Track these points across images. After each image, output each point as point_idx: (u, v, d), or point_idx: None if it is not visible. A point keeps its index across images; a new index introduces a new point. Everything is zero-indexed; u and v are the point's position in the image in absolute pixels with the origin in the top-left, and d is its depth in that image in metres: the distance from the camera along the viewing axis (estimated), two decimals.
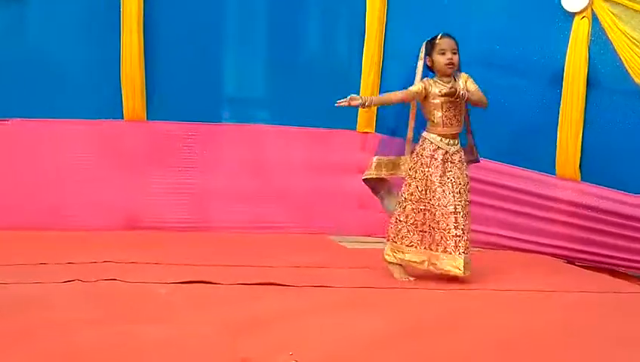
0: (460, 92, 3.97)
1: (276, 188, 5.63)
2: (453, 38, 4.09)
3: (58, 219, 5.28)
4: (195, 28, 5.60)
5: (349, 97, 3.98)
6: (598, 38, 4.97)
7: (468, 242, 3.97)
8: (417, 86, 4.06)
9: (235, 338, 2.83)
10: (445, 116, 4.05)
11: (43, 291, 3.46)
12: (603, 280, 4.62)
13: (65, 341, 2.74)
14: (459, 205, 3.96)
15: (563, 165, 5.15)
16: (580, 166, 5.11)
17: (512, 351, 2.94)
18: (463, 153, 4.12)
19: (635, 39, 4.79)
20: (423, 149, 4.08)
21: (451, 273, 3.95)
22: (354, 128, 5.79)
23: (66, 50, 5.42)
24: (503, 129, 5.33)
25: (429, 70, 4.15)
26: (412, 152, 4.14)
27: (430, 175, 4.01)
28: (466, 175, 4.09)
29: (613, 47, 4.88)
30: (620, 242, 4.98)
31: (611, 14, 4.88)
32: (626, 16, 4.84)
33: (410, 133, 4.22)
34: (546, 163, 5.21)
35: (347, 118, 5.73)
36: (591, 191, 5.07)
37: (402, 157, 4.20)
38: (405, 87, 4.10)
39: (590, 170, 5.09)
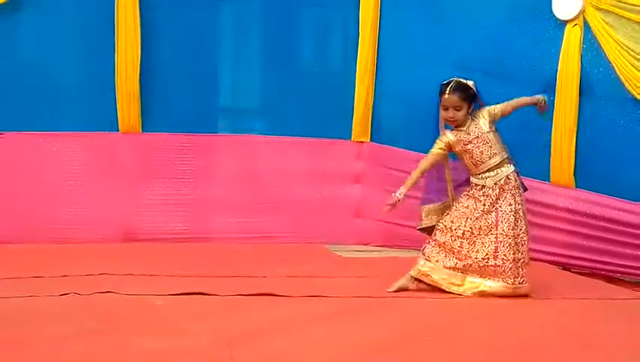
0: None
1: (272, 198, 5.64)
2: (461, 92, 4.09)
3: (54, 231, 5.27)
4: (190, 39, 5.61)
5: (391, 202, 4.09)
6: (590, 46, 4.99)
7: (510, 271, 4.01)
8: (438, 146, 4.15)
9: (231, 350, 2.83)
10: (472, 158, 4.11)
11: (39, 304, 3.46)
12: (599, 286, 4.63)
13: (60, 353, 2.74)
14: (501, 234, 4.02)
15: (557, 172, 5.17)
16: (574, 173, 5.13)
17: (507, 358, 2.95)
18: (506, 181, 4.10)
19: (626, 47, 4.82)
20: (469, 190, 4.16)
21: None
22: (349, 138, 5.80)
23: (61, 62, 5.41)
24: None
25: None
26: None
27: (469, 214, 4.07)
28: (515, 202, 4.08)
29: (605, 55, 4.90)
30: (615, 248, 4.98)
31: (603, 22, 4.90)
32: (618, 24, 4.86)
33: (449, 190, 4.31)
34: (540, 170, 5.22)
35: (342, 128, 5.75)
36: (585, 198, 5.08)
37: (447, 202, 4.27)
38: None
39: (584, 176, 5.10)
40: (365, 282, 4.24)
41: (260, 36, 5.88)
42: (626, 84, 4.83)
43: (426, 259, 4.09)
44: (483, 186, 4.09)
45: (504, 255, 4.01)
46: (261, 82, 5.89)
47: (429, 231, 4.24)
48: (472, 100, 4.15)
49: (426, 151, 5.49)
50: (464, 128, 4.12)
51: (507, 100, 4.27)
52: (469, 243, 4.04)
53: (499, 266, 4.00)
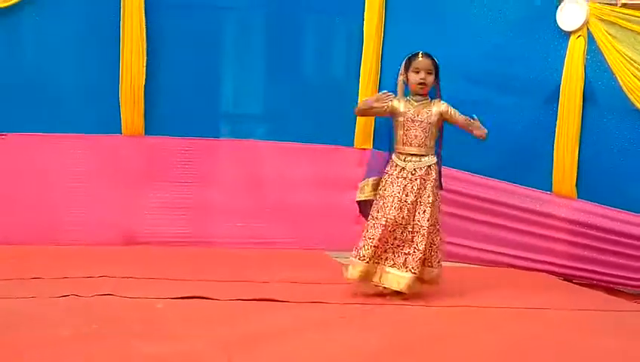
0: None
1: (273, 203, 5.64)
2: (433, 60, 4.11)
3: (55, 233, 5.28)
4: (193, 44, 5.62)
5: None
6: (594, 57, 5.00)
7: (418, 262, 3.97)
8: (384, 102, 4.09)
9: (230, 354, 2.83)
10: (405, 135, 4.08)
11: (38, 306, 3.46)
12: (599, 297, 4.62)
13: (60, 356, 2.74)
14: (417, 225, 4.00)
15: (559, 182, 5.17)
16: (576, 183, 5.13)
17: None
18: (430, 173, 4.09)
19: (630, 58, 4.83)
20: (390, 168, 4.12)
21: (393, 288, 3.98)
22: (351, 145, 5.80)
23: (65, 64, 5.42)
24: (500, 146, 5.34)
25: (407, 86, 4.17)
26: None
27: (392, 193, 4.03)
28: (432, 194, 4.06)
29: (609, 66, 4.92)
30: (616, 259, 4.99)
31: (607, 34, 4.92)
32: (622, 36, 4.88)
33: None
34: (542, 180, 5.23)
35: (345, 135, 5.75)
36: (587, 209, 5.09)
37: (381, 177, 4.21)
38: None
39: (586, 187, 5.11)
40: (365, 289, 4.23)
41: (263, 42, 5.88)
42: (630, 96, 4.85)
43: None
44: (403, 169, 4.06)
45: (417, 245, 3.98)
46: (264, 88, 5.89)
47: (364, 206, 4.20)
48: (437, 75, 4.13)
49: None
50: (417, 103, 4.09)
51: (466, 117, 4.23)
52: (389, 233, 4.00)
53: (412, 255, 3.97)
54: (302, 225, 5.67)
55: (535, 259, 5.25)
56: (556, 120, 5.14)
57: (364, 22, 5.69)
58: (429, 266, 4.10)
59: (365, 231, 4.06)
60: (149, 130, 5.52)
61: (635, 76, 4.82)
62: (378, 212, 4.04)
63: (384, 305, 3.86)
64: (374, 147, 5.72)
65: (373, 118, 5.75)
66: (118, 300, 3.62)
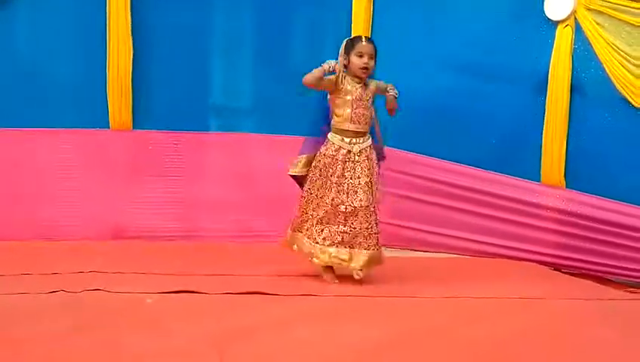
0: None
1: (263, 196, 5.62)
2: (374, 44, 4.12)
3: (43, 228, 5.25)
4: (181, 37, 5.59)
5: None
6: (582, 47, 5.02)
7: (364, 239, 4.06)
8: (333, 76, 4.06)
9: (221, 349, 2.82)
10: (354, 113, 4.08)
11: (27, 302, 3.44)
12: (589, 286, 4.65)
13: (49, 351, 2.72)
14: (357, 205, 4.04)
15: (548, 172, 5.19)
16: (564, 173, 5.15)
17: (497, 358, 2.95)
18: (370, 151, 4.13)
19: (617, 48, 4.85)
20: (327, 149, 4.13)
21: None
22: None
23: (52, 59, 5.40)
24: (488, 136, 5.38)
25: (344, 68, 4.14)
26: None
27: (330, 175, 4.08)
28: (373, 173, 4.10)
29: (597, 56, 4.94)
30: (605, 249, 5.01)
31: (594, 23, 4.93)
32: (609, 25, 4.90)
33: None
34: (530, 170, 5.24)
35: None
36: (576, 198, 5.11)
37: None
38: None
39: (575, 177, 5.13)
40: (356, 281, 4.23)
41: (251, 34, 5.86)
42: (617, 85, 4.87)
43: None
44: (349, 151, 4.07)
45: (360, 223, 4.06)
46: (253, 80, 5.87)
47: (298, 180, 4.27)
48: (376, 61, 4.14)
49: (417, 150, 5.57)
50: (358, 85, 4.09)
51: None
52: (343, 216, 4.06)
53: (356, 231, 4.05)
54: (292, 217, 5.65)
55: (524, 249, 5.27)
56: (544, 109, 5.15)
57: (352, 13, 5.67)
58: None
59: (313, 211, 4.12)
60: (137, 124, 5.50)
61: (622, 65, 4.83)
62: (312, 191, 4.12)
63: (378, 298, 3.86)
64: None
65: None
66: (108, 295, 3.60)
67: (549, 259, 5.20)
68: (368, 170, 4.08)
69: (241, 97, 5.95)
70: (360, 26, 5.65)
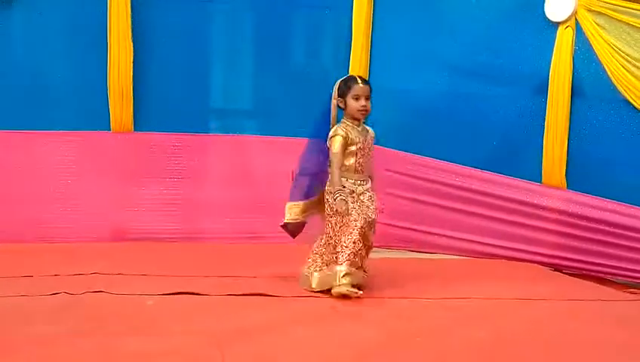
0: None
1: (263, 198, 5.61)
2: (369, 85, 4.07)
3: (44, 230, 5.26)
4: (182, 39, 5.59)
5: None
6: (582, 48, 5.01)
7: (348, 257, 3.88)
8: (338, 142, 3.96)
9: (223, 350, 2.83)
10: (358, 163, 4.03)
11: (29, 303, 3.45)
12: (590, 287, 4.65)
13: (50, 353, 2.73)
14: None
15: (549, 173, 5.19)
16: (565, 174, 5.15)
17: (497, 358, 2.95)
18: (371, 190, 4.08)
19: (618, 49, 4.84)
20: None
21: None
22: None
23: (53, 60, 5.39)
24: (489, 138, 5.37)
25: (340, 109, 4.10)
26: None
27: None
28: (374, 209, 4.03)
29: (597, 57, 4.93)
30: (606, 249, 5.01)
31: (595, 24, 4.93)
32: (610, 26, 4.89)
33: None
34: (532, 171, 5.24)
35: None
36: (577, 199, 5.10)
37: (314, 198, 4.15)
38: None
39: (576, 178, 5.13)
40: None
41: (252, 36, 5.87)
42: (618, 86, 4.87)
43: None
44: (353, 191, 3.99)
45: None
46: (253, 82, 5.88)
47: (292, 228, 4.16)
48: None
49: (418, 152, 5.56)
50: (360, 131, 4.04)
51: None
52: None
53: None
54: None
55: (526, 250, 5.26)
56: (545, 111, 5.15)
57: (353, 15, 5.67)
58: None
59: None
60: (138, 125, 5.50)
61: (623, 66, 4.83)
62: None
63: (377, 299, 3.86)
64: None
65: None
66: (109, 297, 3.61)
67: (549, 260, 5.20)
68: (367, 205, 4.00)
69: (241, 99, 5.97)
70: (361, 28, 5.65)
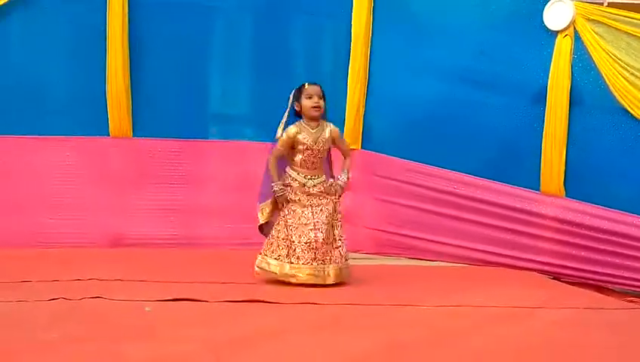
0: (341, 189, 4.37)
1: None
2: (320, 86, 4.36)
3: (43, 236, 5.26)
4: (180, 45, 5.61)
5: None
6: (581, 57, 5.03)
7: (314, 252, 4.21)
8: (280, 141, 4.33)
9: (220, 357, 2.82)
10: (304, 160, 4.34)
11: (27, 309, 3.44)
12: (588, 295, 4.64)
13: (48, 359, 2.72)
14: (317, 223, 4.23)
15: (547, 182, 5.19)
16: (564, 182, 5.15)
17: None
18: (324, 185, 4.34)
19: (616, 57, 4.86)
20: (289, 180, 4.34)
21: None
22: None
23: (52, 66, 5.41)
24: (488, 146, 5.38)
25: (297, 115, 4.38)
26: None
27: (295, 202, 4.29)
28: (330, 202, 4.32)
29: (596, 65, 4.95)
30: (605, 258, 5.02)
31: (593, 33, 4.95)
32: (609, 35, 4.91)
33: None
34: (530, 179, 5.25)
35: None
36: (575, 208, 5.11)
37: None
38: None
39: (574, 186, 5.14)
40: (355, 289, 4.23)
41: (251, 42, 5.87)
42: (616, 95, 4.88)
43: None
44: (297, 181, 4.31)
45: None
46: (252, 89, 5.89)
47: (267, 230, 4.39)
48: (325, 100, 4.36)
49: (416, 159, 5.57)
50: (314, 131, 4.30)
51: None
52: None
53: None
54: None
55: (524, 258, 5.27)
56: (544, 119, 5.16)
57: (352, 23, 5.68)
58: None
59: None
60: (137, 131, 5.51)
61: (621, 75, 4.85)
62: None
63: (376, 306, 3.85)
64: (363, 147, 5.74)
65: (362, 118, 5.77)
66: (107, 303, 3.60)
67: (548, 268, 5.20)
68: (321, 200, 4.30)
69: (239, 105, 5.97)
70: (360, 35, 5.66)
